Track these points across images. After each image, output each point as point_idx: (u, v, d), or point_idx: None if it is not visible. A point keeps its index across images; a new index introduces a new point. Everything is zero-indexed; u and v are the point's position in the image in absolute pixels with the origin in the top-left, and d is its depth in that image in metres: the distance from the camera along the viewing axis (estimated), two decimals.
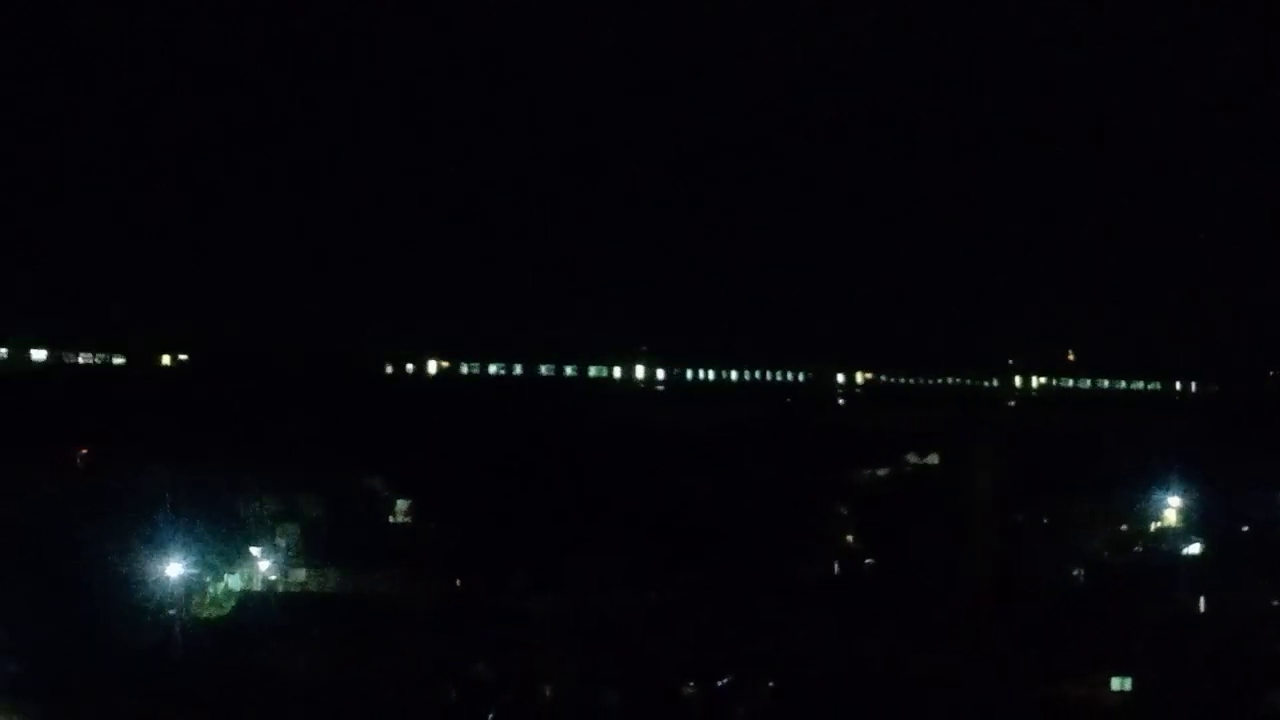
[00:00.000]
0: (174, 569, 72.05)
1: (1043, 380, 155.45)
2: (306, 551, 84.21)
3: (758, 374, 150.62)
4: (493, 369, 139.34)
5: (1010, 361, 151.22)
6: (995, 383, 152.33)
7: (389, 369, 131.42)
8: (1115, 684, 63.41)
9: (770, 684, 61.90)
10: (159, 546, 72.47)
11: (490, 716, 60.08)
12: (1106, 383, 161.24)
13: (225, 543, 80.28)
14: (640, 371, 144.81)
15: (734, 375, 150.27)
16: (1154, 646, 65.71)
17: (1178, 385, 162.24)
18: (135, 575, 70.87)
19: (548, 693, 61.49)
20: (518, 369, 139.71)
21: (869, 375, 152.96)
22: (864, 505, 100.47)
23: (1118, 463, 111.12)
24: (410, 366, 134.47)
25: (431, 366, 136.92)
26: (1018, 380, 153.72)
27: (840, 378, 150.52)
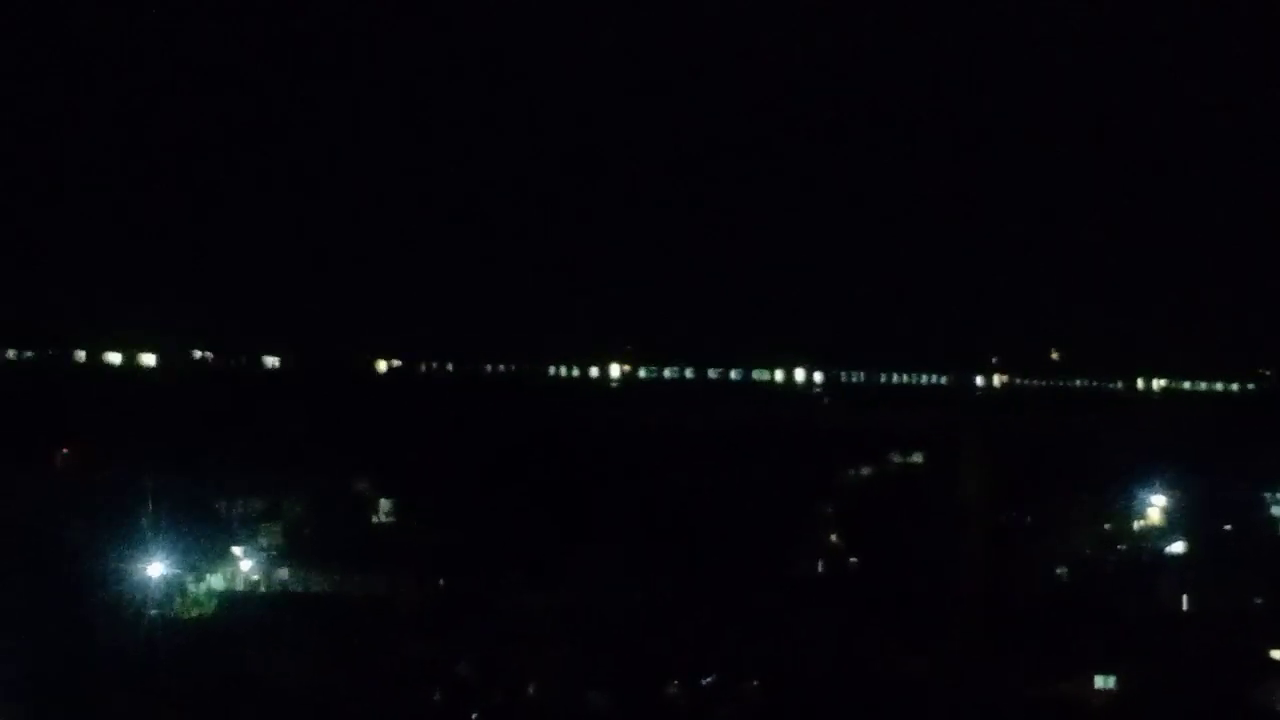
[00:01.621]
0: (155, 569, 71.75)
1: (1027, 379, 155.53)
2: (289, 551, 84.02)
3: (742, 373, 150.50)
4: (479, 368, 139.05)
5: (994, 360, 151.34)
6: (979, 381, 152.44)
7: (373, 368, 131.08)
8: (1099, 682, 63.46)
9: (755, 683, 61.82)
10: (140, 546, 72.18)
11: (474, 717, 59.91)
12: (1091, 382, 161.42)
13: (207, 542, 79.99)
14: (625, 371, 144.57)
15: (718, 374, 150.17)
16: (1138, 644, 65.79)
17: (1163, 384, 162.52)
18: (116, 575, 70.54)
19: (532, 692, 61.35)
20: (504, 368, 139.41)
21: (852, 374, 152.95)
22: (849, 504, 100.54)
23: (1102, 461, 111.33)
24: (395, 366, 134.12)
25: (416, 366, 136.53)
26: (1001, 379, 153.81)
27: (824, 376, 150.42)
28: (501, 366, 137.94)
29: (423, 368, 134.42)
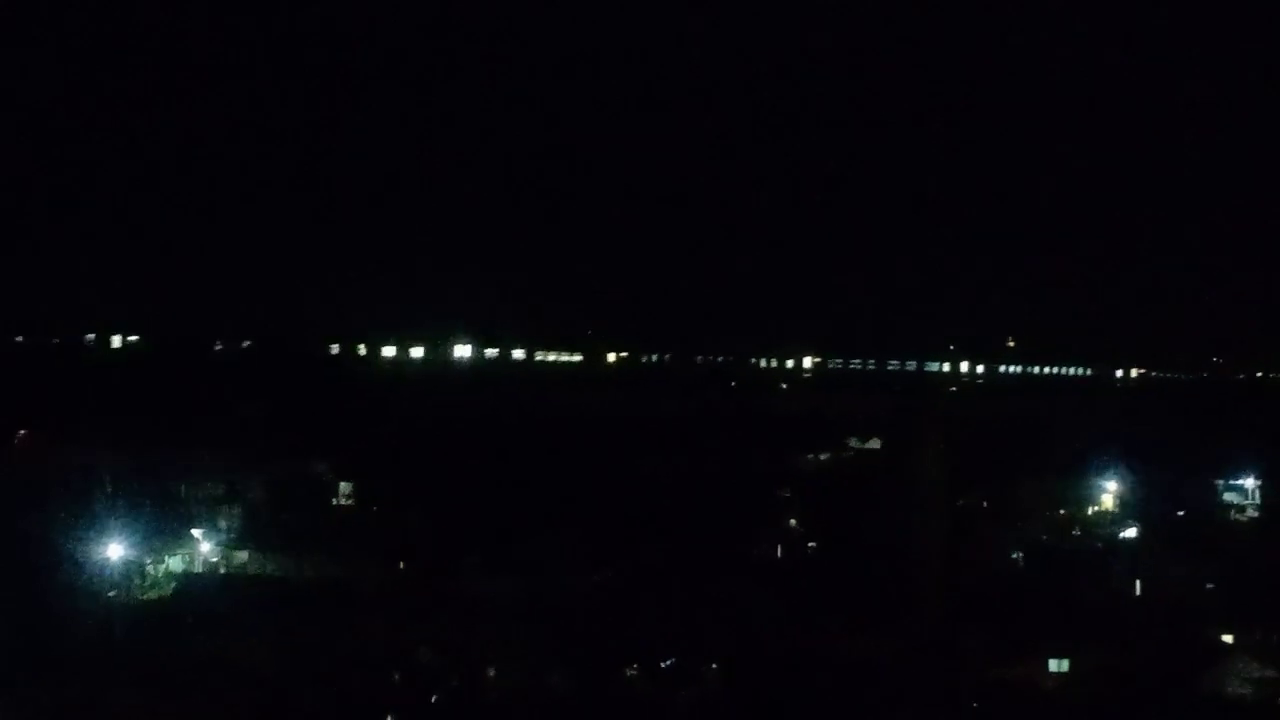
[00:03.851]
0: (114, 550, 71.60)
1: (984, 366, 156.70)
2: (249, 534, 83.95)
3: (702, 358, 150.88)
4: (438, 354, 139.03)
5: (952, 347, 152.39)
6: (937, 368, 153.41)
7: (332, 353, 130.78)
8: (1053, 665, 64.17)
9: (714, 666, 62.22)
10: (99, 528, 71.99)
11: (434, 700, 60.05)
12: (1047, 369, 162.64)
13: (167, 524, 79.89)
14: (586, 356, 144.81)
15: (678, 361, 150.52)
16: (1091, 629, 66.52)
17: (1117, 372, 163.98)
18: (75, 557, 70.33)
19: (492, 675, 61.56)
20: (464, 353, 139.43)
21: (813, 360, 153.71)
22: (807, 489, 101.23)
23: (1057, 448, 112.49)
24: (353, 351, 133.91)
25: (375, 351, 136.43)
26: (959, 365, 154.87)
27: (784, 362, 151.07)
28: (461, 353, 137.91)
29: (382, 352, 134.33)
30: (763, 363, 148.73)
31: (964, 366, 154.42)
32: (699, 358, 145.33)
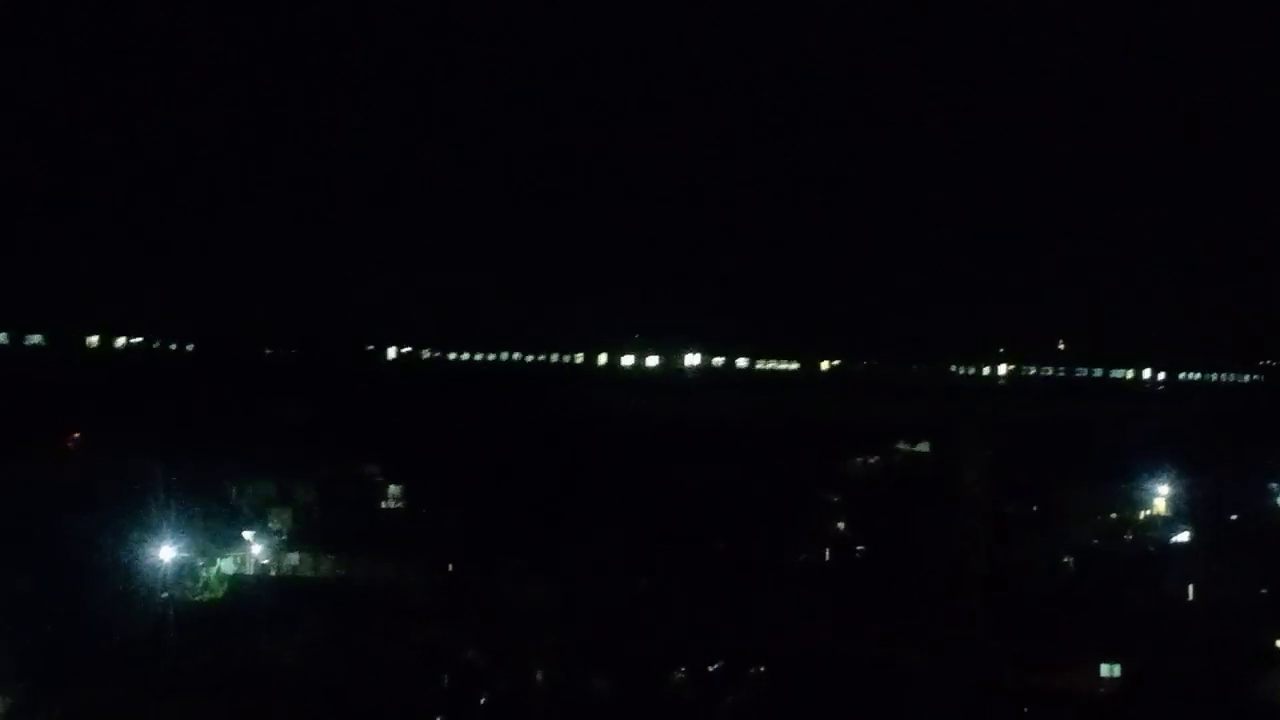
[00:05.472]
0: (167, 553, 72.23)
1: (1033, 369, 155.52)
2: (299, 536, 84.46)
3: (747, 362, 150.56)
4: (487, 357, 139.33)
5: (1001, 350, 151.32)
6: (985, 370, 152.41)
7: (383, 355, 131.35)
8: (1104, 670, 63.81)
9: (760, 670, 62.18)
10: (152, 531, 72.60)
11: (483, 702, 60.30)
12: (1097, 372, 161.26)
13: (218, 527, 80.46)
14: (631, 360, 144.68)
15: (723, 363, 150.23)
16: (1143, 634, 66.11)
17: (1169, 374, 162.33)
18: (128, 560, 70.98)
19: (540, 678, 61.73)
20: (512, 357, 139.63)
21: (858, 363, 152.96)
22: (855, 494, 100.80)
23: (1108, 452, 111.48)
24: (404, 353, 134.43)
25: (425, 354, 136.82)
26: (1008, 368, 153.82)
27: (829, 365, 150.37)
28: (510, 355, 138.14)
29: (433, 355, 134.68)
30: (961, 370, 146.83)
31: (1013, 369, 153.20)
32: (914, 366, 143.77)
